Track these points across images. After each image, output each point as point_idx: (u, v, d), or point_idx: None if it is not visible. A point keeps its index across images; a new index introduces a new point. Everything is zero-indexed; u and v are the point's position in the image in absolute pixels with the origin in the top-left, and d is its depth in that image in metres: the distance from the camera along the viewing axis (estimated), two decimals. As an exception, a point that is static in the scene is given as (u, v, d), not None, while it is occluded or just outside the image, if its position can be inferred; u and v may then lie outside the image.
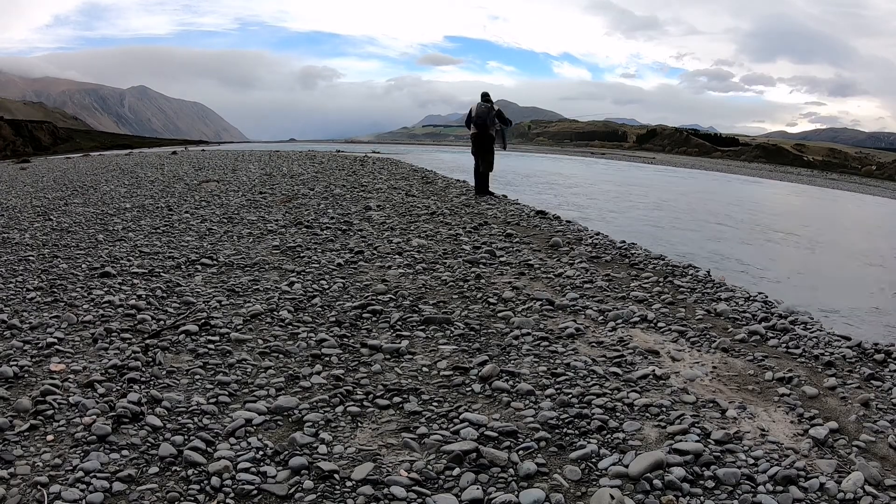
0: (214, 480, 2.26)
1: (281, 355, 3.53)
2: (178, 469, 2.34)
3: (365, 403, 2.95)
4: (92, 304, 4.35)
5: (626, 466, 2.39)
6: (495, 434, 2.63)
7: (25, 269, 5.36)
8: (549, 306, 4.50)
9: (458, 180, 14.63)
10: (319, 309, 4.39)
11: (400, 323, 4.10)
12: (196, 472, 2.32)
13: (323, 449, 2.51)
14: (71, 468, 2.29)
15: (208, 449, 2.48)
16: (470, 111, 11.12)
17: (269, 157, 24.03)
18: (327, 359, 3.48)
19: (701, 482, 2.34)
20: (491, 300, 4.65)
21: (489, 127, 10.93)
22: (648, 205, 15.17)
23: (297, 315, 4.24)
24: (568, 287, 5.11)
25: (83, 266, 5.48)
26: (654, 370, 3.36)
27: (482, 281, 5.20)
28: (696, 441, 2.59)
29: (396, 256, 6.08)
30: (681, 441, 2.59)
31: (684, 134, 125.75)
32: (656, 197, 18.07)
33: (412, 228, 7.65)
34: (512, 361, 3.50)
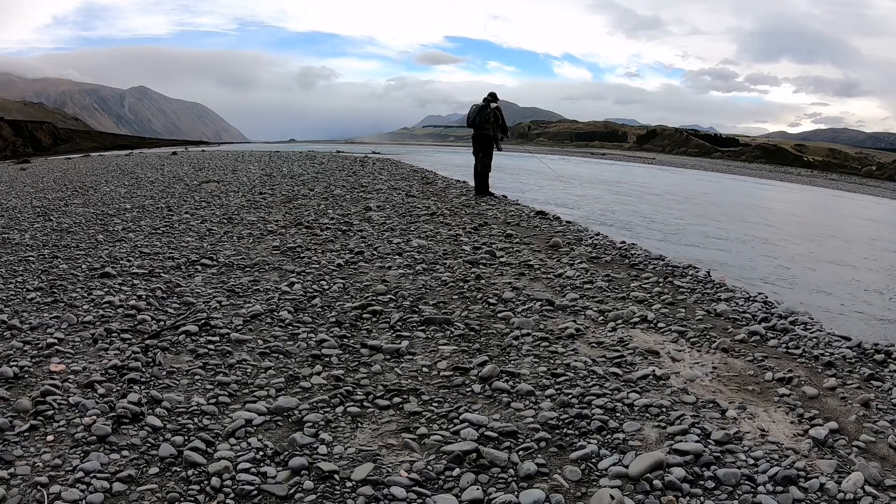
0: (214, 481, 2.26)
1: (281, 356, 3.53)
2: (179, 469, 2.34)
3: (365, 404, 2.95)
4: (92, 304, 4.34)
5: (627, 467, 2.39)
6: (495, 434, 2.63)
7: (25, 269, 5.35)
8: (549, 307, 4.50)
9: (458, 181, 14.63)
10: (319, 309, 4.39)
11: (400, 323, 4.10)
12: (196, 472, 2.32)
13: (323, 449, 2.51)
14: (71, 468, 2.29)
15: (208, 449, 2.48)
16: None
17: (268, 158, 24.03)
18: (327, 359, 3.48)
19: (701, 482, 2.34)
20: (491, 301, 4.65)
21: (484, 126, 10.94)
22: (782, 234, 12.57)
23: (297, 315, 4.24)
24: (568, 287, 5.11)
25: (83, 266, 5.48)
26: (654, 370, 3.36)
27: (482, 281, 5.20)
28: (696, 441, 2.59)
29: (396, 257, 6.08)
30: (681, 441, 2.59)
31: (684, 134, 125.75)
32: (762, 215, 16.40)
33: (412, 229, 7.65)
34: (512, 362, 3.50)
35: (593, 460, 2.48)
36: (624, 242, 7.41)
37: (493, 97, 11.02)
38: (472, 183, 12.10)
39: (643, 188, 21.79)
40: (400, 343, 3.74)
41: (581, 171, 29.11)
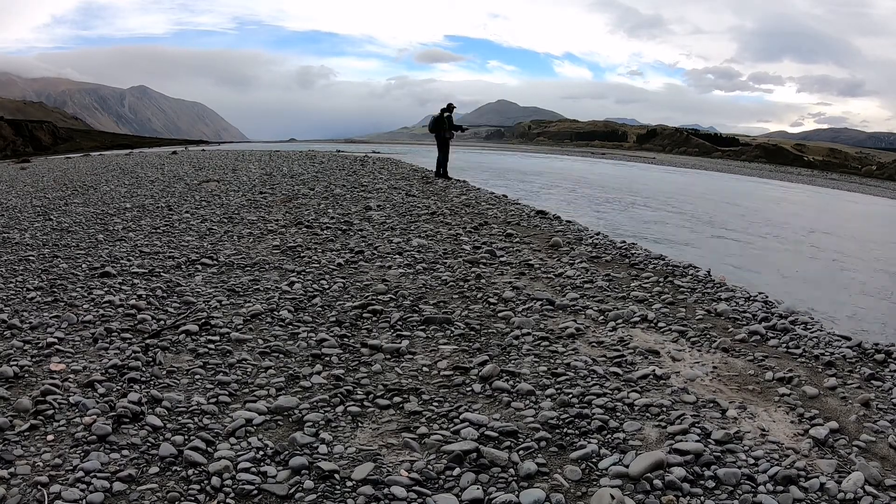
0: (215, 480, 2.26)
1: (281, 355, 3.53)
2: (179, 469, 2.34)
3: (365, 403, 2.95)
4: (92, 303, 4.34)
5: (627, 466, 2.39)
6: (496, 434, 2.63)
7: (25, 268, 5.35)
8: (550, 306, 4.50)
9: (459, 180, 14.63)
10: (320, 309, 4.38)
11: (400, 323, 4.10)
12: (196, 471, 2.32)
13: (323, 449, 2.51)
14: (71, 468, 2.29)
15: (208, 449, 2.48)
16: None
17: (269, 157, 24.02)
18: (327, 359, 3.48)
19: (701, 482, 2.34)
20: (491, 300, 4.65)
21: (439, 130, 14.52)
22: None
23: (298, 315, 4.24)
24: (568, 287, 5.11)
25: (83, 266, 5.48)
26: (654, 370, 3.36)
27: (482, 281, 5.20)
28: (697, 441, 2.59)
29: (397, 256, 6.08)
30: (681, 441, 2.59)
31: (684, 134, 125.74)
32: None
33: (412, 228, 7.65)
34: (512, 361, 3.50)
35: (593, 460, 2.48)
36: (624, 242, 7.41)
37: (449, 108, 14.51)
38: (472, 182, 12.60)
39: (681, 195, 18.45)
40: (400, 342, 3.74)
41: (603, 173, 27.34)
